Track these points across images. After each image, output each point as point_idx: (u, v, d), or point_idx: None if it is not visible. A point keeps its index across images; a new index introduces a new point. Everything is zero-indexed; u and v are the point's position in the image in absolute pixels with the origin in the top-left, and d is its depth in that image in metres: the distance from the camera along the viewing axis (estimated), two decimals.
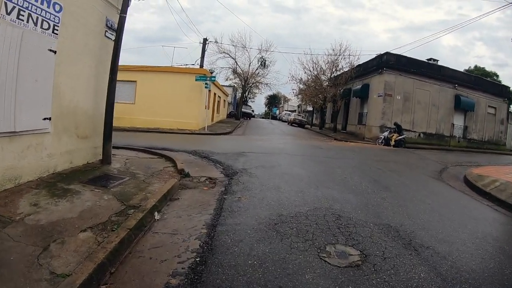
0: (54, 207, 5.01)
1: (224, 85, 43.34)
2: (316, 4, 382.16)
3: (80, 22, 7.51)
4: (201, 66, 26.31)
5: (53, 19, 6.47)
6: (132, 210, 5.17)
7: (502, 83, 36.46)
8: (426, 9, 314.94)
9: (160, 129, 21.10)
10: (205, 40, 27.12)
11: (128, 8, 9.02)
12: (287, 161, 10.90)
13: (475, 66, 53.91)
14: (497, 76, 47.47)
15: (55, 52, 6.61)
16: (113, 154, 9.65)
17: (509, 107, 33.93)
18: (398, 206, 6.62)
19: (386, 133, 22.93)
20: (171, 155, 10.11)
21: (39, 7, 6.05)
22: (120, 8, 8.74)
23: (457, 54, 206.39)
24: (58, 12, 6.59)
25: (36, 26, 6.04)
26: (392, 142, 22.35)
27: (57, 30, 6.63)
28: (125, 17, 8.75)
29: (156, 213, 5.31)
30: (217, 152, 11.70)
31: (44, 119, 6.51)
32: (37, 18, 6.03)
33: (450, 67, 29.33)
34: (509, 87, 32.42)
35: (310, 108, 56.08)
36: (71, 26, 7.17)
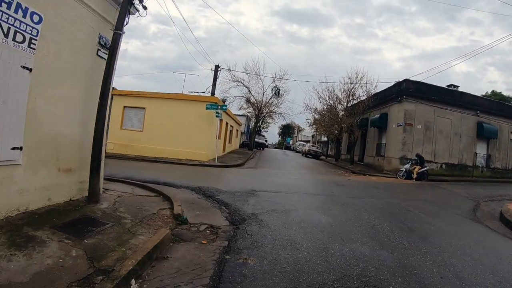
0: (5, 263, 3.86)
1: (237, 114, 42.53)
2: (330, 34, 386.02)
3: (66, 37, 6.43)
4: (213, 94, 25.24)
5: (29, 31, 5.42)
6: (101, 277, 3.86)
7: None
8: (438, 36, 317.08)
9: (168, 159, 20.00)
10: (217, 67, 26.07)
11: (126, 25, 7.94)
12: (304, 203, 9.46)
13: (492, 91, 52.57)
14: None
15: (30, 70, 5.51)
16: (105, 189, 8.53)
17: None
18: (444, 266, 5.21)
19: (407, 166, 21.48)
20: (170, 193, 8.78)
21: (12, 16, 5.03)
22: (114, 24, 7.64)
23: (470, 80, 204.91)
24: (36, 23, 5.55)
25: (7, 38, 5.00)
26: (414, 175, 20.92)
27: (35, 44, 5.57)
28: (121, 34, 7.64)
29: (133, 282, 3.98)
30: (224, 190, 10.36)
31: (13, 148, 5.41)
32: (9, 28, 5.00)
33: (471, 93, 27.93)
34: None
35: (324, 139, 54.81)
36: (54, 42, 6.10)
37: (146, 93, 22.61)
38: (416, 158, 21.73)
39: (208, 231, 6.22)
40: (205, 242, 5.57)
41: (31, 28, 5.42)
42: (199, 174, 14.72)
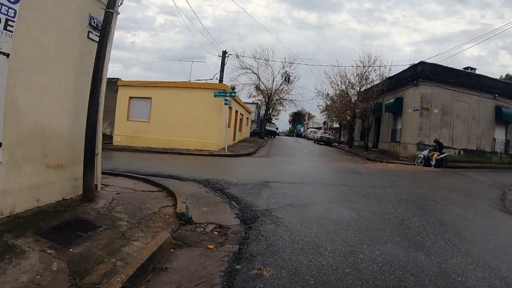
0: None
1: (247, 102, 41.65)
2: (338, 20, 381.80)
3: (50, 18, 5.65)
4: (221, 80, 24.27)
5: (5, 12, 4.66)
6: None
7: None
8: (448, 20, 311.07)
9: (176, 150, 19.33)
10: (224, 52, 25.00)
11: (121, 5, 7.15)
12: (322, 195, 8.63)
13: (507, 75, 50.80)
14: None
15: (7, 55, 4.76)
16: (105, 185, 7.83)
17: None
18: (488, 269, 4.47)
19: (425, 152, 20.54)
20: (175, 188, 8.02)
21: None
22: (106, 2, 6.82)
23: (482, 64, 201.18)
24: (13, 2, 4.78)
25: None
26: (433, 162, 20.02)
27: (12, 26, 4.78)
28: (113, 13, 6.81)
29: None
30: (234, 183, 9.54)
31: None
32: None
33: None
34: None
35: (336, 125, 53.75)
36: (35, 23, 5.33)
37: (151, 83, 21.89)
38: (435, 144, 20.84)
39: (216, 232, 5.45)
40: (212, 246, 4.77)
41: (6, 8, 4.67)
42: (208, 165, 14.01)
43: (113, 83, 22.58)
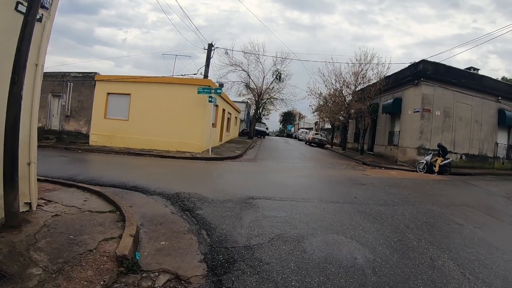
0: None
1: (236, 101, 39.87)
2: (331, 21, 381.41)
3: None
4: (205, 76, 22.11)
5: None
6: None
7: None
8: (440, 23, 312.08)
9: (156, 152, 17.55)
10: (210, 45, 22.77)
11: None
12: (323, 220, 6.71)
13: (503, 77, 49.49)
14: None
15: None
16: (48, 201, 6.25)
17: None
18: None
19: (428, 157, 18.90)
20: (132, 208, 6.21)
21: None
22: None
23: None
24: None
25: None
26: (436, 168, 18.42)
27: None
28: None
29: None
30: (210, 199, 7.66)
31: None
32: None
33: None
34: None
35: (328, 126, 52.17)
36: None
37: (131, 77, 20.04)
38: (438, 148, 19.19)
39: None
40: None
41: None
42: (185, 171, 12.12)
43: (91, 78, 20.87)
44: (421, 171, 18.47)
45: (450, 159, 19.27)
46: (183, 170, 12.50)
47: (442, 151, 18.88)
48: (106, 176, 9.80)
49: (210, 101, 17.98)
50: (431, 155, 19.04)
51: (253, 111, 42.77)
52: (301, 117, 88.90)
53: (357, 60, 27.93)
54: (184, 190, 8.30)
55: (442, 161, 18.55)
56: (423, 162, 18.83)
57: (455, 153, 21.90)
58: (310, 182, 11.59)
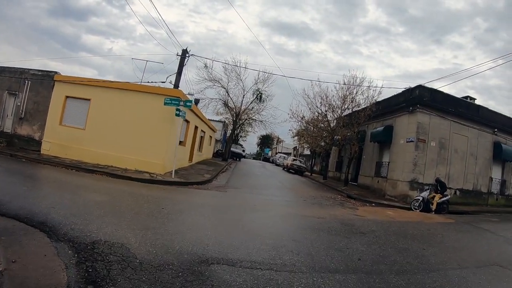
0: None
1: (212, 120, 37.20)
2: (317, 49, 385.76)
3: None
4: (176, 86, 18.96)
5: None
6: None
7: None
8: (422, 58, 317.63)
9: (110, 169, 14.74)
10: (184, 51, 19.65)
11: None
12: None
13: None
14: None
15: None
16: None
17: None
18: None
19: (425, 193, 16.53)
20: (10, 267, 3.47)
21: None
22: None
23: None
24: None
25: None
26: (434, 206, 16.13)
27: None
28: None
29: None
30: (139, 260, 4.69)
31: None
32: None
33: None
34: None
35: (307, 152, 49.81)
36: None
37: (92, 81, 17.23)
38: (436, 183, 16.95)
39: None
40: None
41: None
42: (129, 202, 9.12)
43: (50, 78, 18.05)
44: (416, 209, 16.11)
45: (449, 196, 16.99)
46: (128, 199, 9.42)
47: (440, 186, 16.65)
48: (20, 200, 7.03)
49: (177, 115, 15.17)
50: (428, 191, 16.70)
51: (230, 131, 40.03)
52: (279, 141, 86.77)
53: (345, 84, 25.67)
54: (109, 237, 5.38)
55: (440, 198, 16.29)
56: (418, 199, 16.46)
57: (449, 188, 19.61)
58: (295, 230, 8.55)
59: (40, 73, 18.58)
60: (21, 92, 18.64)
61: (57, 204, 7.22)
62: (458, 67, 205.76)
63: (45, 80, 18.19)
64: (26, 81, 18.55)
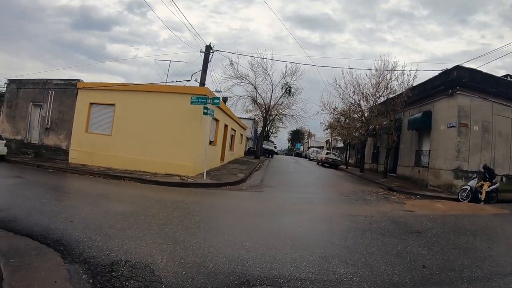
0: None
1: (242, 118, 36.61)
2: (341, 40, 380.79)
3: None
4: (202, 84, 18.46)
5: None
6: None
7: None
8: (448, 40, 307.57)
9: (140, 174, 14.62)
10: (208, 47, 19.26)
11: None
12: None
13: None
14: None
15: None
16: None
17: None
18: None
19: (473, 182, 15.36)
20: None
21: None
22: None
23: None
24: None
25: None
26: (483, 196, 14.93)
27: None
28: None
29: None
30: (164, 285, 4.01)
31: None
32: None
33: None
34: None
35: (340, 144, 48.58)
36: None
37: (115, 85, 16.92)
38: (483, 170, 15.81)
39: None
40: None
41: None
42: (156, 210, 8.36)
43: (73, 86, 18.04)
44: (464, 200, 15.02)
45: (498, 184, 15.75)
46: (156, 207, 8.86)
47: (488, 174, 15.47)
48: (37, 214, 6.62)
49: (205, 113, 14.63)
50: (476, 179, 15.53)
51: (261, 128, 39.35)
52: (310, 135, 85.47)
53: (376, 70, 24.50)
54: (131, 256, 4.85)
55: (488, 187, 15.10)
56: (466, 189, 15.32)
57: (496, 174, 18.35)
58: (344, 234, 7.36)
59: (63, 82, 18.56)
60: (46, 102, 18.67)
61: (76, 217, 6.73)
62: (487, 47, 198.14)
63: (68, 88, 18.11)
64: (50, 91, 18.55)
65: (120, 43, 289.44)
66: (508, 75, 22.95)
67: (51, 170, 14.63)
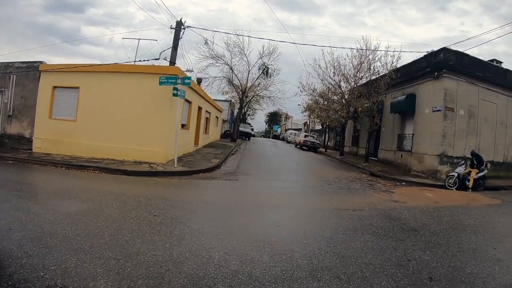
0: None
1: (218, 100, 35.25)
2: (321, 23, 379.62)
3: None
4: (172, 63, 16.93)
5: None
6: None
7: None
8: (427, 26, 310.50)
9: (107, 162, 13.21)
10: (179, 23, 17.62)
11: None
12: None
13: None
14: None
15: None
16: None
17: None
18: None
19: (460, 169, 14.81)
20: None
21: None
22: None
23: None
24: None
25: None
26: (470, 183, 14.40)
27: None
28: None
29: None
30: None
31: None
32: None
33: None
34: None
35: (319, 127, 47.77)
36: None
37: (79, 66, 15.38)
38: (471, 157, 15.24)
39: None
40: None
41: None
42: (111, 209, 6.95)
43: (35, 68, 16.19)
44: (451, 187, 14.43)
45: (486, 171, 15.12)
46: (113, 205, 7.32)
47: (476, 160, 14.91)
48: None
49: (175, 95, 13.32)
50: (464, 165, 14.87)
51: (237, 110, 38.14)
52: (288, 117, 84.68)
53: (357, 51, 23.50)
54: (68, 278, 3.48)
55: (476, 174, 14.53)
56: (453, 175, 14.69)
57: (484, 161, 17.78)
58: (333, 237, 6.09)
59: (25, 65, 16.71)
60: (7, 88, 16.83)
61: (17, 223, 5.39)
62: (465, 34, 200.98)
63: (31, 71, 16.36)
64: (11, 76, 16.71)
65: (95, 25, 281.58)
66: (494, 59, 22.31)
67: (11, 161, 13.00)
